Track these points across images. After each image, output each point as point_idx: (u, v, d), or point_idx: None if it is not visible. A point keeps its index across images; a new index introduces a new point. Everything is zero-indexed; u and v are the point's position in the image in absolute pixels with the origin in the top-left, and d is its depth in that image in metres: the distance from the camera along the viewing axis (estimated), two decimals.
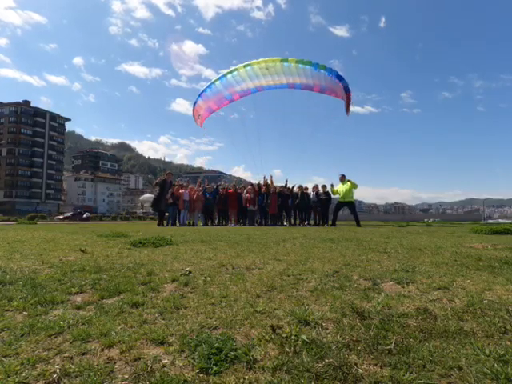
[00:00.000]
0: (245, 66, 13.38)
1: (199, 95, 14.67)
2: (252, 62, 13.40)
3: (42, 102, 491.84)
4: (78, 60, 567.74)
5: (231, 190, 13.74)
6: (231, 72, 13.66)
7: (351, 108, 13.63)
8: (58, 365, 1.27)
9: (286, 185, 14.09)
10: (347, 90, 13.02)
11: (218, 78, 14.02)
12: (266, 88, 14.20)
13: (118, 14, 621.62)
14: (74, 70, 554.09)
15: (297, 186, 13.97)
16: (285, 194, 13.56)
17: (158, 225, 12.28)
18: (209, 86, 14.41)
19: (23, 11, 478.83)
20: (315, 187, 13.62)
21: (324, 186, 13.36)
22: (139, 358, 1.33)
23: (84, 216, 39.60)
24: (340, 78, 12.95)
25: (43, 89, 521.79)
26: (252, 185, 14.28)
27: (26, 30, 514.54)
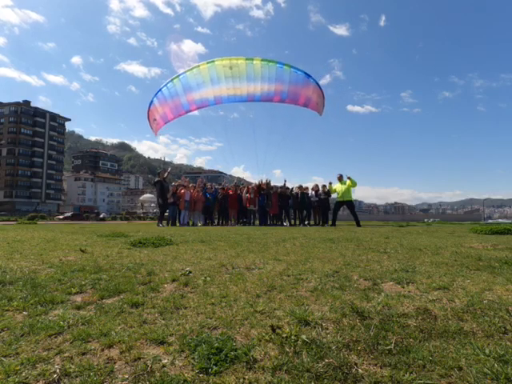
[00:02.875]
0: (208, 63, 12.35)
1: (155, 94, 13.10)
2: (216, 59, 12.40)
3: (41, 102, 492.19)
4: (76, 59, 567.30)
5: (231, 191, 13.74)
6: (192, 69, 12.52)
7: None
8: (57, 365, 1.27)
9: (284, 185, 14.09)
10: (320, 87, 12.73)
11: (178, 76, 12.70)
12: (224, 100, 13.19)
13: (116, 12, 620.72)
14: (73, 69, 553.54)
15: (296, 186, 13.99)
16: (286, 194, 13.56)
17: (158, 225, 12.29)
18: (166, 85, 12.87)
19: (20, 10, 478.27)
20: (315, 187, 13.62)
21: (324, 186, 13.36)
22: (139, 358, 1.33)
23: (101, 216, 40.51)
24: (308, 75, 12.56)
25: (42, 88, 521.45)
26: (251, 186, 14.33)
27: (24, 28, 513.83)
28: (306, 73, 12.62)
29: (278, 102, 13.14)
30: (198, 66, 12.48)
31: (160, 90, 12.99)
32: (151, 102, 13.19)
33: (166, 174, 13.28)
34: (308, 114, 14.31)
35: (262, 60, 12.19)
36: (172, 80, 12.79)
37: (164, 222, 12.91)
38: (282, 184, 14.24)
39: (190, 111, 13.60)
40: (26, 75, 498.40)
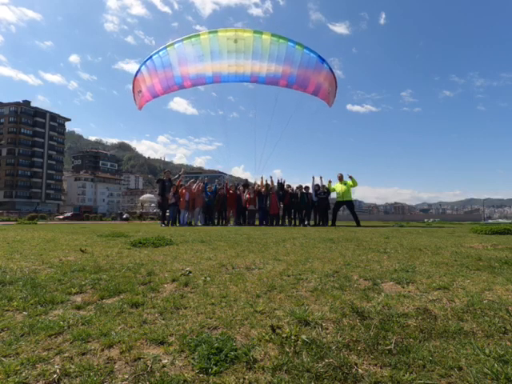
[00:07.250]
0: (210, 33, 10.98)
1: (144, 62, 11.48)
2: (220, 29, 11.11)
3: (39, 101, 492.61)
4: (74, 58, 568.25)
5: (231, 190, 13.73)
6: (190, 38, 11.02)
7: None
8: (57, 365, 1.27)
9: (282, 186, 14.03)
10: (333, 73, 11.75)
11: (173, 44, 11.12)
12: (224, 78, 11.62)
13: (113, 10, 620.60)
14: (71, 68, 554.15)
15: (296, 186, 13.97)
16: (288, 193, 13.55)
17: (161, 225, 12.31)
18: (158, 52, 11.25)
19: (17, 8, 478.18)
20: (315, 186, 13.61)
21: (324, 186, 13.36)
22: (139, 358, 1.33)
23: (124, 217, 41.78)
24: (323, 59, 11.45)
25: (39, 87, 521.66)
26: (249, 185, 14.38)
27: (21, 27, 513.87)
28: (319, 56, 11.45)
29: (284, 86, 11.83)
30: (198, 35, 11.06)
31: (150, 57, 11.39)
32: (139, 69, 11.67)
33: (176, 176, 13.45)
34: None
35: (272, 35, 10.99)
36: (166, 47, 11.27)
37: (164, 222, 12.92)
38: (281, 184, 14.18)
39: (184, 87, 11.95)
40: (23, 74, 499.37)
